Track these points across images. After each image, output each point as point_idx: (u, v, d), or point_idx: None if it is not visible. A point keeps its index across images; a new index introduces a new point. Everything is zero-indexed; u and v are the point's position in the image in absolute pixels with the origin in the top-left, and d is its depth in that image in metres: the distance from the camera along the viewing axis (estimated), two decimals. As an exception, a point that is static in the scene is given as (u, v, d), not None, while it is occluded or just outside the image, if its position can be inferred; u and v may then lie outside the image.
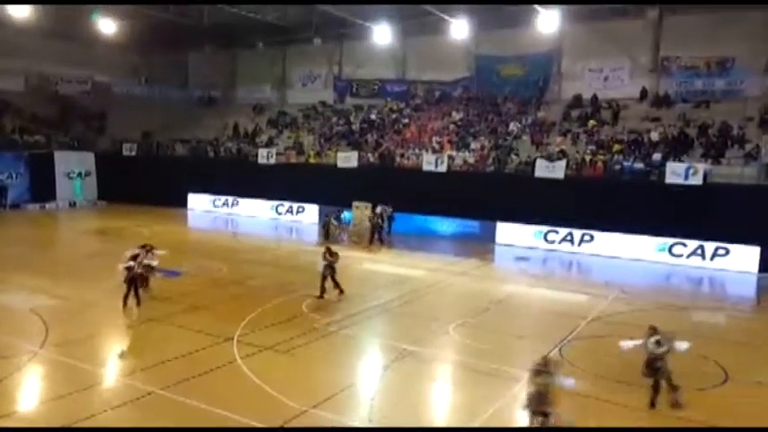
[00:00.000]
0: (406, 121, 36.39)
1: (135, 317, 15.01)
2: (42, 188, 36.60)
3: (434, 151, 31.32)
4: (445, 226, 29.33)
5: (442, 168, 29.54)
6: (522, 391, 10.95)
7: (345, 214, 28.54)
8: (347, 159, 32.25)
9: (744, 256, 22.95)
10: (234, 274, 20.01)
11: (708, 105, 29.18)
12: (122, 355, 12.73)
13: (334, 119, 39.31)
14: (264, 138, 39.00)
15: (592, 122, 30.23)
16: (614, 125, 30.05)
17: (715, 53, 29.82)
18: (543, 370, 8.87)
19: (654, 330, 10.28)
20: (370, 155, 32.83)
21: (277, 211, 34.82)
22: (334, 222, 27.84)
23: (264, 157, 35.15)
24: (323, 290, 16.67)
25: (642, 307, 17.49)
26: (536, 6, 29.36)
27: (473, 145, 31.16)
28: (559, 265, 24.58)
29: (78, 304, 15.94)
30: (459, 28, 32.41)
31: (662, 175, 24.84)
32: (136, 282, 15.43)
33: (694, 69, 30.65)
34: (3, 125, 37.44)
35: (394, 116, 37.38)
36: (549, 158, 27.57)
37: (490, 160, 29.52)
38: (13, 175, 35.72)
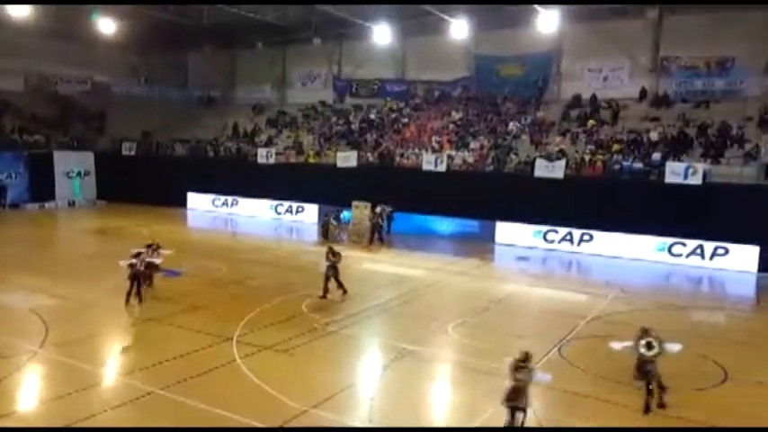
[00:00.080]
0: (406, 120, 36.40)
1: (136, 314, 15.06)
2: (42, 188, 36.59)
3: (434, 151, 31.33)
4: (445, 225, 29.34)
5: (442, 168, 29.54)
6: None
7: (345, 214, 28.53)
8: (347, 159, 32.24)
9: (743, 256, 22.96)
10: (233, 273, 20.01)
11: (707, 105, 29.19)
12: (123, 353, 12.74)
13: (334, 119, 39.31)
14: (264, 137, 38.99)
15: (591, 122, 30.24)
16: (614, 125, 30.06)
17: (715, 53, 29.83)
18: (522, 366, 8.91)
19: (645, 332, 10.17)
20: (369, 154, 32.83)
21: (276, 210, 34.81)
22: (334, 222, 27.84)
23: (264, 156, 35.14)
24: (326, 290, 16.65)
25: (642, 306, 17.50)
26: (536, 6, 29.36)
27: (472, 145, 31.17)
28: (559, 265, 24.59)
29: (78, 304, 15.95)
30: (459, 28, 32.41)
31: (661, 174, 24.84)
32: (139, 279, 15.69)
33: (694, 69, 30.67)
34: (2, 125, 37.42)
35: (393, 116, 37.38)
36: (549, 158, 27.58)
37: (490, 160, 29.52)
38: (13, 175, 35.70)
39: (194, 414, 9.67)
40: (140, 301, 15.80)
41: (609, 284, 20.30)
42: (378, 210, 26.90)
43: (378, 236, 26.57)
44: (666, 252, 24.34)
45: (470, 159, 30.06)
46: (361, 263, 22.19)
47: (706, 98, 29.69)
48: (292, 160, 35.11)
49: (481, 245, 26.70)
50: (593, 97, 32.24)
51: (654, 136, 27.74)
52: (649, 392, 10.06)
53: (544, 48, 33.91)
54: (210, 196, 37.18)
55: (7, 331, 13.39)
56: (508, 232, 27.64)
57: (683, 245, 24.02)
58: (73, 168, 38.68)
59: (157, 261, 16.73)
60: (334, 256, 16.67)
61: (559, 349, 13.23)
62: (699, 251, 23.77)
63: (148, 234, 25.72)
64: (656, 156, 26.26)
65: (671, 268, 23.64)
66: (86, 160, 39.34)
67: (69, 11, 33.92)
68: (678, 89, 30.87)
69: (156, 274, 17.20)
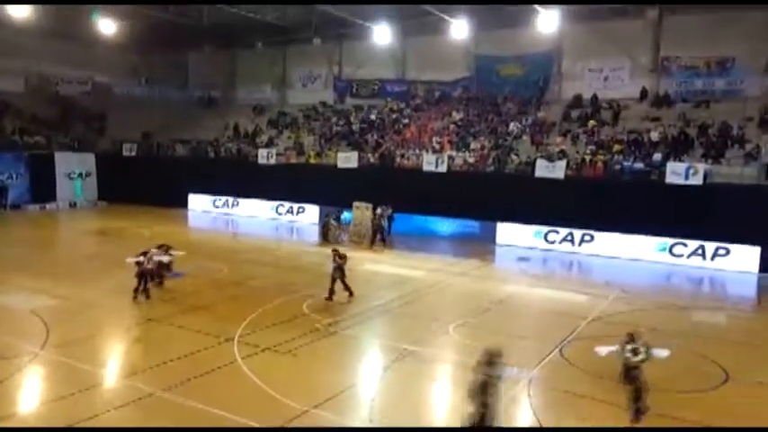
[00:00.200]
0: (406, 121, 36.40)
1: (137, 315, 15.09)
2: (43, 189, 36.62)
3: (434, 151, 31.33)
4: (445, 226, 29.33)
5: (443, 168, 29.54)
6: (523, 391, 11.01)
7: (345, 215, 28.54)
8: (347, 160, 32.26)
9: (744, 257, 22.95)
10: (234, 274, 20.01)
11: (708, 105, 29.18)
12: (125, 354, 12.75)
13: (334, 119, 39.32)
14: (264, 138, 39.00)
15: (592, 122, 30.24)
16: (614, 125, 30.06)
17: (715, 53, 29.84)
18: (490, 361, 8.93)
19: (631, 337, 9.99)
20: (370, 155, 32.84)
21: (277, 211, 34.83)
22: (334, 223, 27.84)
23: (264, 157, 35.16)
24: (332, 292, 16.61)
25: (642, 307, 17.51)
26: (536, 6, 29.36)
27: (473, 145, 31.16)
28: (560, 266, 24.59)
29: (79, 305, 15.95)
30: (459, 28, 32.41)
31: (662, 175, 24.84)
32: (146, 277, 16.16)
33: (694, 69, 30.67)
34: (3, 126, 37.46)
35: (394, 116, 37.39)
36: (549, 158, 27.57)
37: (490, 160, 29.52)
38: (14, 176, 35.74)
39: (195, 415, 9.68)
40: (147, 297, 16.22)
41: (609, 285, 20.29)
42: (378, 211, 26.90)
43: (381, 237, 26.58)
44: (667, 252, 24.33)
45: (471, 160, 30.05)
46: (363, 264, 22.16)
47: (706, 98, 29.69)
48: (293, 161, 35.13)
49: (482, 245, 26.70)
50: (594, 97, 32.24)
51: (654, 136, 27.73)
52: (637, 398, 9.80)
53: (544, 48, 33.91)
54: (211, 197, 37.20)
55: (8, 332, 13.40)
56: (509, 233, 27.64)
57: (684, 245, 24.01)
58: (74, 169, 38.72)
59: (165, 259, 17.15)
60: (340, 258, 16.65)
61: (560, 350, 13.23)
62: (700, 251, 23.76)
63: (149, 235, 25.82)
64: (657, 156, 26.26)
65: (672, 269, 23.63)
66: (87, 161, 39.38)
67: (70, 11, 33.96)
68: (678, 89, 30.87)
69: (167, 274, 17.67)
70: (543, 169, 27.11)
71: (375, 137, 35.16)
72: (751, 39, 28.48)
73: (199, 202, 37.74)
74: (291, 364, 12.13)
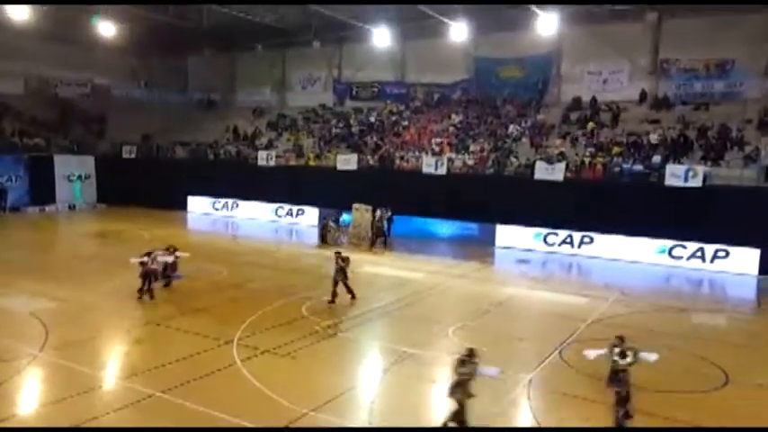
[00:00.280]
0: (406, 123, 36.43)
1: (136, 317, 15.05)
2: (42, 191, 36.61)
3: (434, 154, 31.34)
4: (445, 228, 29.33)
5: (442, 171, 29.55)
6: (522, 393, 11.00)
7: (345, 217, 28.54)
8: (347, 162, 32.28)
9: (744, 259, 22.95)
10: (234, 276, 20.01)
11: (707, 107, 29.21)
12: (124, 356, 12.73)
13: (334, 121, 39.35)
14: (264, 140, 39.02)
15: (591, 125, 30.25)
16: (614, 127, 30.08)
17: (714, 55, 29.87)
18: (467, 360, 8.96)
19: (620, 341, 10.01)
20: (369, 157, 32.86)
21: (277, 213, 34.83)
22: (333, 225, 27.83)
23: (264, 159, 35.18)
24: (334, 294, 16.58)
25: (642, 309, 17.51)
26: (535, 9, 29.39)
27: (472, 147, 31.18)
28: (559, 268, 24.58)
29: (78, 307, 15.94)
30: (459, 31, 32.43)
31: (661, 177, 24.85)
32: (150, 277, 16.41)
33: (693, 72, 30.70)
34: (2, 128, 37.45)
35: (393, 119, 37.42)
36: (549, 161, 27.59)
37: (490, 162, 29.53)
38: (13, 178, 35.73)
39: (195, 417, 9.67)
40: (151, 297, 16.45)
41: (609, 287, 20.28)
42: (378, 213, 26.90)
43: (382, 239, 26.56)
44: (667, 255, 24.33)
45: (470, 162, 30.06)
46: (362, 266, 22.14)
47: (706, 100, 29.72)
48: (292, 163, 35.15)
49: (481, 248, 26.69)
50: (593, 100, 32.27)
51: (654, 138, 27.74)
52: (622, 401, 9.67)
53: (544, 50, 33.96)
54: (211, 199, 37.20)
55: (7, 335, 13.39)
56: (508, 235, 27.63)
57: (684, 247, 24.01)
58: (73, 172, 38.73)
59: (169, 259, 17.49)
60: (343, 261, 16.64)
61: (560, 352, 13.22)
62: (699, 254, 23.76)
63: (149, 237, 25.82)
64: (657, 158, 26.27)
65: (671, 271, 23.63)
66: (87, 163, 39.38)
67: (69, 14, 33.97)
68: (678, 91, 30.90)
69: (175, 276, 18.00)
70: (543, 171, 27.12)
71: (374, 139, 35.18)
72: (750, 41, 28.53)
73: (198, 205, 37.73)
74: (291, 367, 12.11)
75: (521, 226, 27.29)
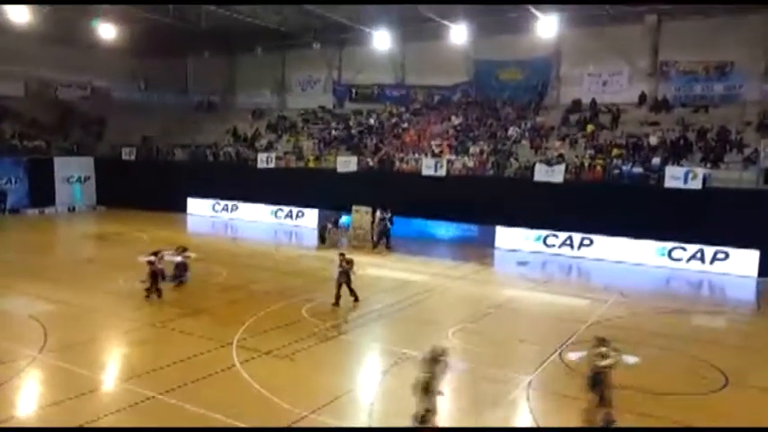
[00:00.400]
0: (406, 125, 36.44)
1: (141, 311, 15.04)
2: (42, 193, 36.65)
3: (434, 156, 31.33)
4: (445, 230, 29.33)
5: (442, 173, 29.55)
6: (522, 395, 10.99)
7: (344, 218, 28.54)
8: (346, 164, 32.28)
9: (743, 261, 22.94)
10: (233, 278, 20.01)
11: (706, 110, 29.20)
12: (123, 358, 12.72)
13: (334, 123, 39.36)
14: (264, 142, 39.03)
15: (590, 127, 30.26)
16: (613, 129, 30.08)
17: (714, 58, 29.88)
18: (433, 358, 8.99)
19: (600, 342, 9.73)
20: (369, 159, 32.87)
21: (276, 215, 34.82)
22: (333, 227, 27.82)
23: (264, 161, 35.17)
24: (338, 297, 16.56)
25: (642, 311, 17.49)
26: (535, 12, 29.40)
27: (472, 149, 31.18)
28: (559, 270, 24.56)
29: (77, 309, 15.94)
30: (459, 33, 32.41)
31: (661, 179, 24.84)
32: (157, 276, 16.60)
33: (693, 74, 30.70)
34: (2, 130, 37.51)
35: (393, 121, 37.42)
36: (549, 163, 27.59)
37: (489, 165, 29.53)
38: (13, 180, 35.77)
39: (194, 419, 9.67)
40: (159, 297, 16.63)
41: (609, 289, 20.26)
42: (378, 215, 26.90)
43: (386, 241, 26.57)
44: (666, 256, 24.32)
45: (470, 164, 30.07)
46: (363, 268, 22.05)
47: (705, 103, 29.71)
48: (292, 165, 35.15)
49: (481, 249, 26.69)
50: (593, 102, 32.28)
51: (653, 140, 27.75)
52: (604, 403, 9.48)
53: (543, 52, 33.97)
54: (210, 201, 37.20)
55: (6, 337, 13.39)
56: (508, 237, 27.63)
57: (683, 249, 24.01)
58: (73, 174, 38.76)
59: (177, 259, 17.75)
60: (347, 263, 16.61)
61: (560, 354, 13.20)
62: (699, 255, 23.74)
63: (148, 239, 25.81)
64: (656, 160, 26.28)
65: (671, 273, 23.62)
66: (86, 165, 39.42)
67: (69, 16, 33.99)
68: (677, 93, 30.89)
69: (185, 276, 18.26)
70: (542, 173, 27.12)
71: (374, 141, 35.19)
72: (750, 44, 28.54)
73: (198, 207, 37.72)
74: (290, 369, 12.11)
75: (520, 228, 27.28)
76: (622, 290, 20.03)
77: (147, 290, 16.60)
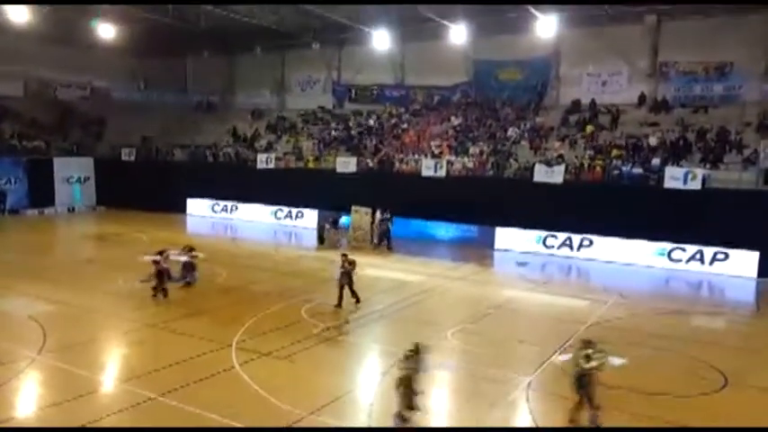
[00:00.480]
0: (405, 126, 36.43)
1: (141, 312, 15.03)
2: (41, 193, 36.64)
3: (433, 156, 31.33)
4: (444, 231, 29.34)
5: (441, 173, 29.56)
6: (522, 395, 11.00)
7: (344, 219, 28.54)
8: (346, 164, 32.29)
9: (743, 261, 22.94)
10: (233, 279, 20.01)
11: (706, 110, 29.20)
12: (122, 359, 12.72)
13: (333, 124, 39.36)
14: (263, 142, 39.02)
15: (590, 127, 30.27)
16: (613, 130, 30.09)
17: (713, 58, 29.87)
18: (411, 355, 9.01)
19: (586, 344, 9.69)
20: (369, 160, 32.87)
21: (276, 216, 34.82)
22: (332, 228, 27.81)
23: (263, 161, 35.19)
24: (340, 298, 16.52)
25: (641, 312, 17.49)
26: (534, 12, 29.40)
27: (472, 150, 31.18)
28: (558, 270, 24.56)
29: (77, 310, 15.93)
30: (458, 33, 32.40)
31: (661, 179, 24.85)
32: (162, 275, 16.72)
33: (692, 74, 30.70)
34: (2, 130, 37.49)
35: (393, 121, 37.42)
36: (548, 163, 27.60)
37: (489, 165, 29.53)
38: (12, 181, 35.75)
39: (193, 420, 9.67)
40: (165, 296, 16.73)
41: (608, 290, 20.27)
42: (378, 215, 26.89)
43: (387, 242, 26.54)
44: (666, 257, 24.32)
45: (470, 165, 30.06)
46: (362, 268, 22.06)
47: (705, 103, 29.70)
48: (292, 165, 35.15)
49: (480, 250, 26.69)
50: (592, 102, 32.27)
51: (653, 141, 27.75)
52: (581, 405, 9.48)
53: (543, 53, 33.96)
54: (210, 201, 37.20)
55: (6, 338, 13.38)
56: (507, 237, 27.63)
57: (683, 250, 24.01)
58: (72, 174, 38.75)
59: (183, 259, 17.87)
60: (349, 264, 16.57)
61: (559, 355, 13.18)
62: (698, 256, 23.75)
63: (148, 240, 25.79)
64: (656, 161, 26.28)
65: (670, 273, 23.62)
66: (86, 166, 39.42)
67: (69, 16, 33.97)
68: (677, 94, 30.89)
69: (193, 276, 18.37)
70: (542, 174, 27.12)
71: (374, 142, 35.18)
72: (749, 44, 28.54)
73: (198, 207, 37.72)
74: (290, 370, 12.11)
75: (520, 228, 27.28)
76: (622, 291, 20.04)
77: (154, 288, 16.71)
